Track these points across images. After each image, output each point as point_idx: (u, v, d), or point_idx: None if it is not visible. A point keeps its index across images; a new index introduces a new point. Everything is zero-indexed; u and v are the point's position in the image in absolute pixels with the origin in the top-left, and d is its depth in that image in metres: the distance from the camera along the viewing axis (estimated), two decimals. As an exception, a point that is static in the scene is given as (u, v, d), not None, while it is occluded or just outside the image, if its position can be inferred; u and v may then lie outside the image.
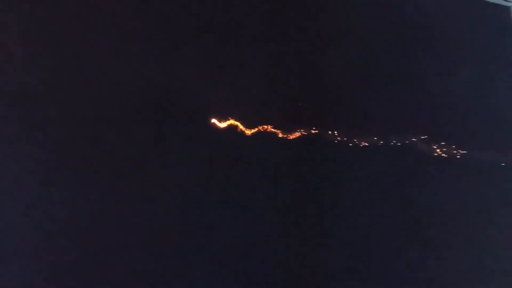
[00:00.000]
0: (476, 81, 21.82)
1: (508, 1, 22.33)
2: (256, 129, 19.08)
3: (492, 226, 18.28)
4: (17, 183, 11.32)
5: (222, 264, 14.29)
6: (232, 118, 19.23)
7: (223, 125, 18.67)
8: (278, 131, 20.18)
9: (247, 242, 15.35)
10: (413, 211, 18.94)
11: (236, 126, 19.15)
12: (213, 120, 17.88)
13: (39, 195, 10.40)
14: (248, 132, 19.67)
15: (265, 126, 19.58)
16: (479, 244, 17.22)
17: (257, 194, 15.82)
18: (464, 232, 18.34)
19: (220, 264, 13.78)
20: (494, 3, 21.28)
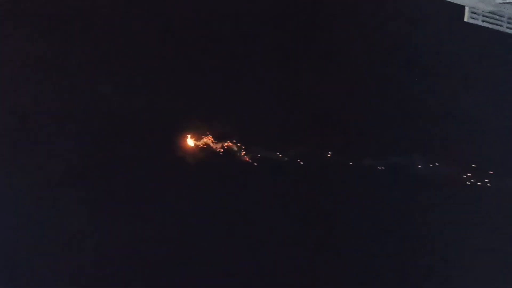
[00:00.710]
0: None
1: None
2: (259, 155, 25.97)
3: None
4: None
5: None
6: (232, 141, 29.21)
7: (219, 146, 24.71)
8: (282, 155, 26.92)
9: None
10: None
11: (237, 149, 25.72)
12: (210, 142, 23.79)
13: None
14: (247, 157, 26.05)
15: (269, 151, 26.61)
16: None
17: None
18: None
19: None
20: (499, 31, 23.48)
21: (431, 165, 42.42)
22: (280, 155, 41.91)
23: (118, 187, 40.23)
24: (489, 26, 36.87)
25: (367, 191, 43.50)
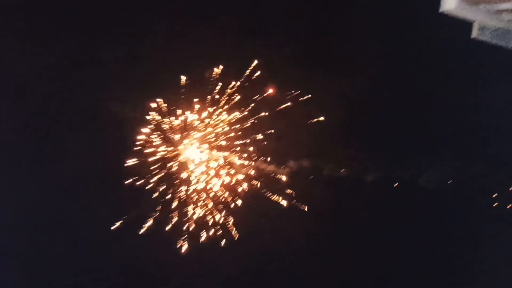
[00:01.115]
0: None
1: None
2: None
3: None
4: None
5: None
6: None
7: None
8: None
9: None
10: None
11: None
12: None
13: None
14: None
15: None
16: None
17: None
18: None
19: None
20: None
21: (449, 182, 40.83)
22: (289, 169, 41.00)
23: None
24: (498, 42, 35.42)
25: (387, 209, 41.89)
